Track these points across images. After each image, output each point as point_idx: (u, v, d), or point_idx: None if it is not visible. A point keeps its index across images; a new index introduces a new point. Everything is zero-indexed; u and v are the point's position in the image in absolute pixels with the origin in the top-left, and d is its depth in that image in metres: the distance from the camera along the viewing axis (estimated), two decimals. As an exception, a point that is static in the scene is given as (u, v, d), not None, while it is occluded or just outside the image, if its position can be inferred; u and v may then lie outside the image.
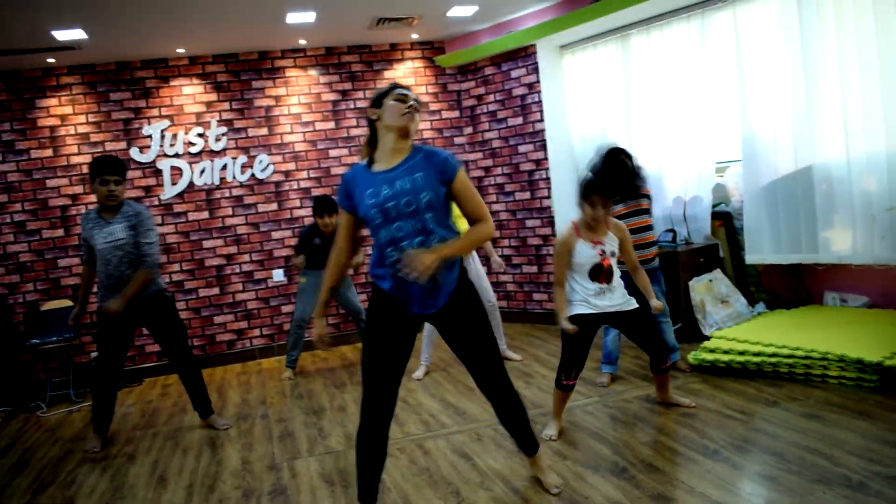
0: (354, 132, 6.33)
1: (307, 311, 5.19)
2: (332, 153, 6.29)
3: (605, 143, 4.11)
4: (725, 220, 5.22)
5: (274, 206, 6.18)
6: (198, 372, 4.22)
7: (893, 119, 4.09)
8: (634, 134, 5.56)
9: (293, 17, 5.19)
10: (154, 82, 5.92)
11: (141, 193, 5.89)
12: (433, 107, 6.56)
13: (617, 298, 3.33)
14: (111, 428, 4.22)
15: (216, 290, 6.07)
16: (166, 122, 5.93)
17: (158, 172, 5.93)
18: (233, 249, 6.10)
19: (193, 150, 5.98)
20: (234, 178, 6.07)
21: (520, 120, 6.19)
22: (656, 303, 3.48)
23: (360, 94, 6.35)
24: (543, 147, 6.03)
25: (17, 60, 5.36)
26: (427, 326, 4.81)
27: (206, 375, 4.80)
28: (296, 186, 6.21)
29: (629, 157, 3.96)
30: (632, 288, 3.47)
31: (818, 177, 4.50)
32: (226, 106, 6.06)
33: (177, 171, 5.96)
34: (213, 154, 6.04)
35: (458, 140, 6.63)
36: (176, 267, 5.98)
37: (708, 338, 4.45)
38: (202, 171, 6.00)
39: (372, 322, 2.56)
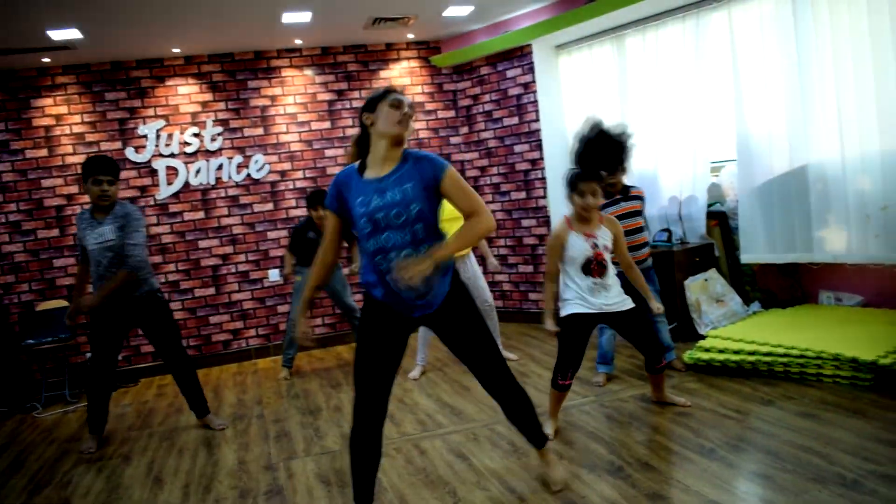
0: (350, 132, 6.32)
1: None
2: (328, 153, 6.29)
3: (584, 123, 3.79)
4: (721, 219, 5.23)
5: (270, 206, 6.17)
6: (193, 372, 4.21)
7: (888, 118, 4.11)
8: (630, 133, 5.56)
9: (289, 17, 5.18)
10: (149, 82, 5.91)
11: (136, 193, 5.88)
12: (429, 107, 6.56)
13: (613, 297, 3.33)
14: (107, 428, 4.22)
15: (212, 290, 6.06)
16: (162, 122, 5.92)
17: (154, 172, 5.92)
18: (228, 249, 6.09)
19: (189, 149, 5.97)
20: (230, 177, 6.07)
21: (515, 120, 6.20)
22: (657, 305, 3.48)
23: (355, 94, 6.35)
24: (539, 147, 6.03)
25: (11, 60, 5.35)
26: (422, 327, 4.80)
27: (202, 376, 4.80)
28: (291, 186, 6.20)
29: (608, 131, 3.71)
30: (627, 287, 3.47)
31: (813, 176, 4.52)
32: (221, 106, 6.06)
33: (172, 171, 5.95)
34: (209, 154, 6.03)
35: (453, 140, 6.64)
36: (171, 267, 5.97)
37: (703, 337, 4.46)
38: (198, 171, 5.99)
39: (365, 327, 2.56)
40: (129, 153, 5.85)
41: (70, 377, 5.49)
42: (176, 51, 5.76)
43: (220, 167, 6.04)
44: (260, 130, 6.14)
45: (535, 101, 6.01)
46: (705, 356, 4.11)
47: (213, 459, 3.72)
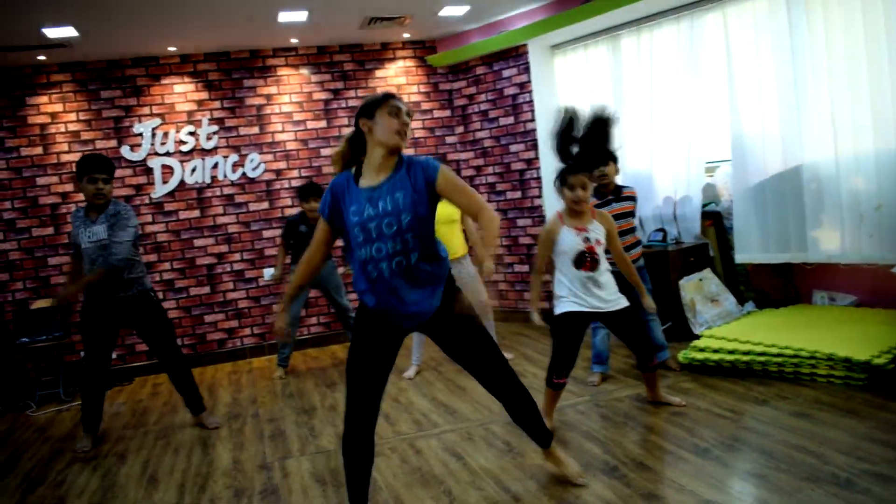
0: (346, 131, 6.30)
1: (297, 308, 5.18)
2: (324, 152, 6.28)
3: (556, 116, 3.60)
4: (715, 219, 5.25)
5: (265, 205, 6.16)
6: (187, 370, 4.21)
7: (882, 118, 4.13)
8: (625, 134, 5.57)
9: (285, 16, 5.18)
10: (145, 80, 5.89)
11: (132, 192, 5.86)
12: (424, 106, 6.56)
13: (607, 296, 3.34)
14: (101, 427, 4.21)
15: (207, 289, 6.05)
16: (157, 121, 5.90)
17: (149, 171, 5.90)
18: (224, 248, 6.08)
19: (184, 148, 5.96)
20: (226, 176, 6.05)
21: (511, 119, 6.20)
22: (649, 303, 3.49)
23: (351, 94, 6.35)
24: (534, 146, 6.04)
25: (7, 57, 5.32)
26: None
27: (197, 374, 4.78)
28: (287, 185, 6.20)
29: (583, 117, 3.45)
30: (622, 286, 3.48)
31: (807, 176, 4.53)
32: (217, 104, 6.04)
33: (168, 170, 5.94)
34: (205, 152, 6.02)
35: (449, 139, 6.64)
36: (167, 265, 5.96)
37: (698, 337, 4.48)
38: (193, 170, 5.97)
39: (358, 332, 2.55)
40: (125, 151, 5.83)
41: (64, 376, 5.47)
42: (172, 49, 5.75)
43: (215, 166, 6.02)
44: (256, 129, 6.13)
45: (531, 101, 6.01)
46: (700, 356, 4.13)
47: (208, 459, 3.71)
